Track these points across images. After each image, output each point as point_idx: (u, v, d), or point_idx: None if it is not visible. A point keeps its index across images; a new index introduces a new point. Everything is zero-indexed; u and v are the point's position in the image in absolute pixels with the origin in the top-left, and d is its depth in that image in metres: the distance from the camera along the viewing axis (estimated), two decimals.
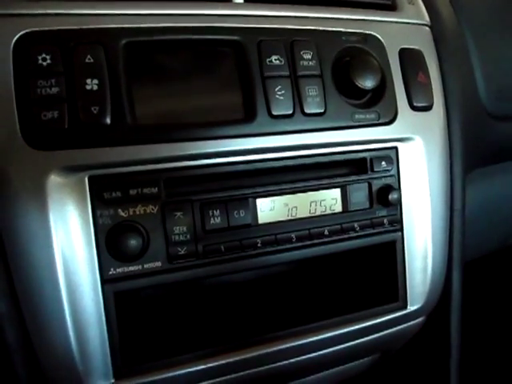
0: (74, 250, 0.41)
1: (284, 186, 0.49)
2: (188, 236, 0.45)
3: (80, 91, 0.40)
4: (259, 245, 0.48)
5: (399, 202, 0.53)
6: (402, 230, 0.55)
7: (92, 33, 0.42)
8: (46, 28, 0.41)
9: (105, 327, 0.43)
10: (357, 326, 0.55)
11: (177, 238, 0.45)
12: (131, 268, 0.44)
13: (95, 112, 0.41)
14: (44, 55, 0.40)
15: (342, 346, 0.56)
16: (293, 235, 0.49)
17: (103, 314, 0.43)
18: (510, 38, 0.69)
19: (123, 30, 0.43)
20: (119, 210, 0.43)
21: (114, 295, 0.43)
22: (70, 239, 0.41)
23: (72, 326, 0.42)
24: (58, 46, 0.40)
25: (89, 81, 0.41)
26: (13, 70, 0.40)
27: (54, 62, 0.40)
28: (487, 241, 0.82)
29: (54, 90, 0.40)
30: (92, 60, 0.41)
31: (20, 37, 0.40)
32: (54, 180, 0.40)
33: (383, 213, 0.53)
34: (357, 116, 0.50)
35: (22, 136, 0.39)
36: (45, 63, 0.40)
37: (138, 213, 0.44)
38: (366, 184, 0.53)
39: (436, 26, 0.59)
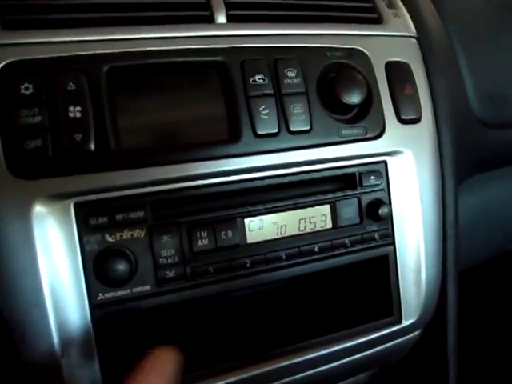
0: (62, 278, 0.41)
1: (272, 205, 0.49)
2: (176, 259, 0.45)
3: (63, 119, 0.41)
4: (248, 265, 0.48)
5: (390, 216, 0.53)
6: (393, 243, 0.54)
7: (74, 60, 0.42)
8: (28, 57, 0.41)
9: (95, 353, 0.43)
10: (352, 342, 0.54)
11: (165, 261, 0.45)
12: (120, 293, 0.43)
13: (78, 139, 0.41)
14: (26, 84, 0.40)
15: (339, 362, 0.56)
16: (282, 254, 0.49)
17: (93, 339, 0.43)
18: (498, 45, 0.69)
19: (105, 56, 0.43)
20: (106, 236, 0.43)
21: (103, 320, 0.43)
22: (56, 267, 0.41)
23: (61, 354, 0.42)
24: (40, 74, 0.41)
25: (71, 108, 0.41)
26: None
27: (37, 90, 0.40)
28: (483, 248, 0.81)
29: (37, 118, 0.40)
30: (74, 87, 0.41)
31: (2, 67, 0.40)
32: (39, 209, 0.40)
33: (374, 227, 0.53)
34: (343, 132, 0.50)
35: (6, 165, 0.39)
36: (27, 92, 0.40)
37: (125, 237, 0.43)
38: (356, 199, 0.52)
39: (423, 38, 0.59)
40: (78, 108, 0.41)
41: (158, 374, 0.37)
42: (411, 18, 0.60)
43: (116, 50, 0.44)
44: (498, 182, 0.79)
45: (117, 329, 0.44)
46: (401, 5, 0.60)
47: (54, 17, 0.43)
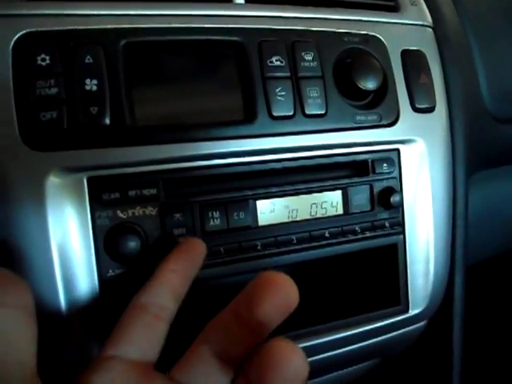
0: (73, 252, 0.41)
1: (284, 188, 0.49)
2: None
3: (79, 92, 0.40)
4: (259, 247, 0.47)
5: (401, 204, 0.53)
6: (403, 232, 0.54)
7: (91, 33, 0.42)
8: (46, 28, 0.41)
9: (103, 329, 0.43)
10: (357, 330, 0.54)
11: (176, 239, 0.44)
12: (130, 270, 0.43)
13: (94, 112, 0.40)
14: (43, 56, 0.40)
15: (343, 349, 0.55)
16: (293, 237, 0.49)
17: (102, 315, 0.43)
18: None
19: (123, 31, 0.43)
20: (118, 212, 0.43)
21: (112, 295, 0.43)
22: (68, 240, 0.41)
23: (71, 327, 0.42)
24: (57, 46, 0.40)
25: (88, 81, 0.41)
26: (12, 71, 0.39)
27: (53, 62, 0.40)
28: (490, 244, 0.81)
29: (53, 90, 0.40)
30: (91, 60, 0.41)
31: (19, 37, 0.40)
32: (53, 181, 0.40)
33: (385, 215, 0.53)
34: (358, 117, 0.50)
35: (21, 136, 0.39)
36: (44, 63, 0.40)
37: (136, 214, 0.43)
38: (368, 186, 0.52)
39: (439, 28, 0.59)
40: (95, 81, 0.41)
41: (188, 259, 0.40)
42: (428, 7, 0.60)
43: (134, 26, 0.43)
44: (505, 179, 0.79)
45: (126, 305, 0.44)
46: None
47: None
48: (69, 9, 0.42)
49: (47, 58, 0.40)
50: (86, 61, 0.41)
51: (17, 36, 0.40)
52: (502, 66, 0.68)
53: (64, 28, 0.41)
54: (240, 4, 0.48)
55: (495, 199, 0.78)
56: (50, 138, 0.40)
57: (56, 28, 0.41)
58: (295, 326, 0.52)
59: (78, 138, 0.40)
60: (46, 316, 0.41)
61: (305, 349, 0.51)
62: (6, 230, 0.40)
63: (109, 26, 0.42)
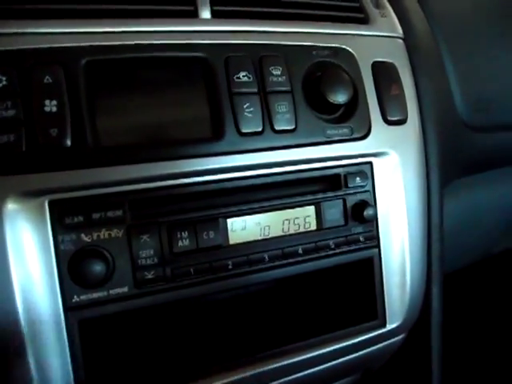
0: (34, 279, 0.40)
1: (256, 205, 0.48)
2: (155, 259, 0.44)
3: (38, 113, 0.39)
4: (230, 266, 0.46)
5: (375, 218, 0.52)
6: (378, 246, 0.54)
7: (50, 52, 0.40)
8: (2, 48, 0.39)
9: (69, 358, 0.41)
10: (336, 346, 0.53)
11: (144, 261, 0.43)
12: (96, 294, 0.42)
13: (54, 134, 0.39)
14: (0, 76, 0.38)
15: (323, 366, 0.55)
16: (265, 255, 0.48)
17: (66, 344, 0.41)
18: (484, 48, 0.69)
19: (84, 49, 0.41)
20: (82, 235, 0.41)
21: (78, 323, 0.41)
22: (29, 267, 0.39)
23: (33, 360, 0.40)
24: (15, 66, 0.39)
25: (47, 102, 0.39)
26: None
27: (11, 83, 0.39)
28: (468, 252, 0.81)
29: (11, 112, 0.38)
30: (51, 80, 0.40)
31: None
32: (12, 206, 0.38)
33: (359, 229, 0.52)
34: (329, 131, 0.49)
35: None
36: (0, 84, 0.38)
37: (102, 237, 0.42)
38: (341, 200, 0.52)
39: (409, 38, 0.59)
40: (54, 102, 0.40)
41: None
42: (398, 18, 0.59)
43: (95, 43, 0.42)
44: (482, 187, 0.79)
45: (92, 333, 0.43)
46: (388, 5, 0.60)
47: (31, 7, 0.42)
48: (26, 27, 0.41)
49: (4, 78, 0.39)
50: (45, 81, 0.40)
51: None
52: (474, 74, 0.68)
53: (22, 47, 0.40)
54: (206, 19, 0.48)
55: (473, 206, 0.78)
56: (8, 162, 0.38)
57: (13, 47, 0.40)
58: (274, 344, 0.51)
59: (38, 160, 0.39)
60: (8, 347, 0.40)
61: (284, 367, 0.51)
62: None
63: (69, 45, 0.41)
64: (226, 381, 0.48)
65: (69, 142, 0.40)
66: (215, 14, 0.48)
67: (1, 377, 0.41)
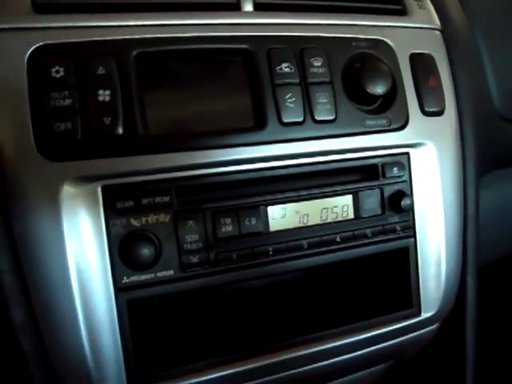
0: (88, 260, 0.42)
1: (295, 194, 0.49)
2: (200, 244, 0.45)
3: (92, 102, 0.41)
4: (271, 252, 0.48)
5: (411, 208, 0.53)
6: (414, 236, 0.54)
7: (103, 44, 0.42)
8: (59, 41, 0.42)
9: (118, 335, 0.43)
10: (370, 333, 0.54)
11: (189, 246, 0.45)
12: (144, 276, 0.44)
13: (107, 122, 0.41)
14: (57, 68, 0.41)
15: (356, 353, 0.56)
16: (304, 242, 0.49)
17: (117, 322, 0.43)
18: None
19: (134, 41, 0.43)
20: (132, 219, 0.43)
21: (127, 303, 0.44)
22: (83, 249, 0.41)
23: (86, 335, 0.42)
24: (71, 58, 0.41)
25: (101, 92, 0.41)
26: (27, 83, 0.40)
27: (67, 74, 0.41)
28: (502, 245, 0.80)
29: (68, 101, 0.40)
30: (104, 71, 0.42)
31: (34, 50, 0.41)
32: (68, 190, 0.41)
33: (395, 219, 0.53)
34: (368, 122, 0.50)
35: (37, 147, 0.40)
36: (58, 75, 0.41)
37: (150, 222, 0.44)
38: (378, 190, 0.52)
39: (447, 30, 0.59)
40: (108, 92, 0.41)
41: None
42: (435, 10, 0.59)
43: (145, 36, 0.44)
44: None
45: (140, 312, 0.45)
46: None
47: (84, 1, 0.44)
48: (80, 21, 0.43)
49: (61, 69, 0.41)
50: (99, 72, 0.42)
51: (31, 49, 0.41)
52: (510, 65, 0.67)
53: (77, 40, 0.42)
54: (249, 12, 0.49)
55: (507, 199, 0.78)
56: (65, 148, 0.40)
57: (69, 40, 0.42)
58: (309, 330, 0.52)
59: (92, 147, 0.41)
60: (62, 322, 0.42)
61: (318, 353, 0.52)
62: (23, 239, 0.41)
63: (120, 37, 0.43)
64: (263, 363, 0.50)
65: (121, 130, 0.42)
66: (257, 7, 0.49)
67: (55, 352, 0.43)
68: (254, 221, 0.47)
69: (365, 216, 0.52)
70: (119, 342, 0.44)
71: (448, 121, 0.56)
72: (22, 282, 0.41)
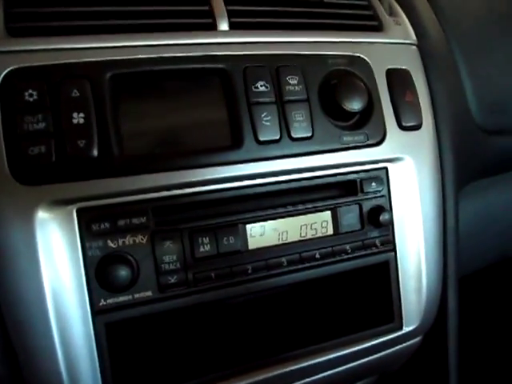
0: (64, 284, 0.41)
1: (274, 211, 0.49)
2: (178, 264, 0.45)
3: (67, 125, 0.41)
4: (249, 271, 0.48)
5: (391, 222, 0.53)
6: (394, 250, 0.54)
7: (77, 67, 0.42)
8: (32, 64, 0.41)
9: (96, 359, 0.43)
10: (352, 349, 0.54)
11: (167, 266, 0.45)
12: (122, 298, 0.44)
13: (82, 145, 0.41)
14: (31, 91, 0.40)
15: (339, 368, 0.56)
16: (284, 260, 0.49)
17: (94, 346, 0.43)
18: (498, 50, 0.69)
19: (108, 63, 0.43)
20: (108, 241, 0.43)
21: (105, 326, 0.43)
22: (59, 273, 0.41)
23: (63, 360, 0.42)
24: (45, 81, 0.41)
25: (75, 115, 0.41)
26: (0, 107, 0.40)
27: (41, 97, 0.41)
28: (483, 255, 0.81)
29: (41, 125, 0.40)
30: (78, 94, 0.42)
31: (7, 73, 0.41)
32: (42, 214, 0.40)
33: (375, 234, 0.53)
34: (345, 138, 0.50)
35: (10, 171, 0.40)
36: (31, 99, 0.40)
37: (127, 243, 0.44)
38: (357, 206, 0.53)
39: (423, 45, 0.60)
40: (82, 114, 0.41)
41: None
42: (412, 25, 0.60)
43: (119, 57, 0.44)
44: (497, 189, 0.79)
45: (118, 335, 0.44)
46: (401, 12, 0.61)
47: (58, 24, 0.44)
48: (54, 43, 0.43)
49: (34, 93, 0.41)
50: (73, 95, 0.41)
51: (4, 72, 0.41)
52: (488, 77, 0.68)
53: (50, 63, 0.42)
54: (224, 31, 0.49)
55: (488, 209, 0.78)
56: (39, 172, 0.40)
57: (43, 63, 0.42)
58: (290, 347, 0.52)
59: (66, 170, 0.41)
60: (39, 347, 0.41)
61: (300, 370, 0.52)
62: None
63: (94, 59, 0.43)
64: (244, 382, 0.50)
65: (96, 153, 0.41)
66: (233, 26, 0.50)
67: (32, 378, 0.43)
68: (232, 239, 0.47)
69: (344, 231, 0.52)
70: (97, 365, 0.43)
71: (426, 135, 0.56)
72: None
